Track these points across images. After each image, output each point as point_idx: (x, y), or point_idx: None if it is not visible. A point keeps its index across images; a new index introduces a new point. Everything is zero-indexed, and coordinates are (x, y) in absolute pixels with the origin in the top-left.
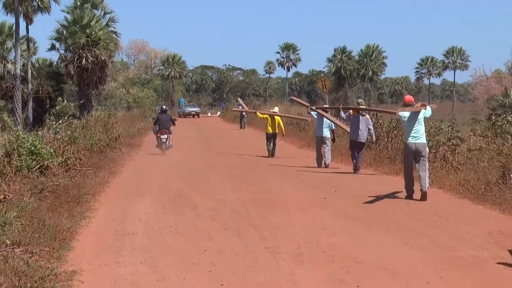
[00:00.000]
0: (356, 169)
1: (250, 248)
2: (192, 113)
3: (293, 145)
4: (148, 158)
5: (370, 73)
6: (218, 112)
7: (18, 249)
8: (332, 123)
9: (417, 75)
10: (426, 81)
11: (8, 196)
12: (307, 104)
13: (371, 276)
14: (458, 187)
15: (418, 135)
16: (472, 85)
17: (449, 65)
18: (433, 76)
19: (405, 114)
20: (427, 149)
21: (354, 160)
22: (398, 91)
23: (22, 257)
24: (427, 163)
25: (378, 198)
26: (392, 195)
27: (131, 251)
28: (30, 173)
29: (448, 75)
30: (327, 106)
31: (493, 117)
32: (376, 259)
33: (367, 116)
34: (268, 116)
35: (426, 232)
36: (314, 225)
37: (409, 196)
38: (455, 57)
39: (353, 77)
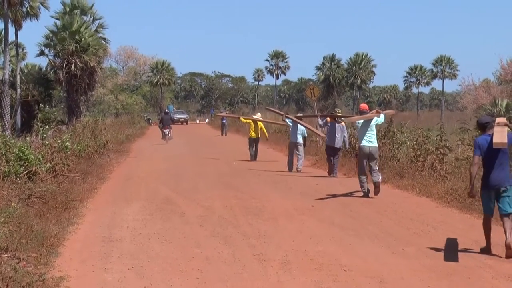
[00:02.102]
0: (331, 171)
1: (238, 256)
2: (180, 120)
3: (281, 153)
4: (136, 165)
5: (359, 82)
6: (207, 119)
7: (6, 255)
8: (305, 130)
9: (406, 84)
10: (414, 90)
11: None
12: (282, 113)
13: (358, 284)
14: (445, 196)
15: (371, 140)
16: (461, 94)
17: (438, 74)
18: (421, 85)
19: (360, 120)
20: (378, 152)
21: (331, 163)
22: (387, 100)
23: (9, 262)
24: (377, 165)
25: (365, 205)
26: (379, 203)
27: (119, 258)
28: (18, 179)
29: (436, 84)
30: (301, 115)
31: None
32: (364, 267)
33: (343, 123)
34: (251, 121)
35: (414, 240)
36: (301, 233)
37: (365, 194)
38: (444, 66)
39: (341, 85)
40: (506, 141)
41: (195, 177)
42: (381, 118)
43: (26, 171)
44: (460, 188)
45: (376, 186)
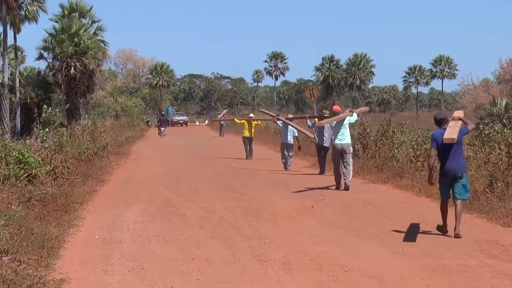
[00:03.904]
0: (322, 171)
1: (238, 257)
2: (180, 121)
3: (279, 154)
4: (136, 167)
5: (358, 82)
6: (206, 121)
7: (6, 258)
8: (296, 130)
9: (405, 84)
10: (414, 90)
11: None
12: (273, 114)
13: (359, 284)
14: None
15: (343, 137)
16: (460, 94)
17: (437, 74)
18: (421, 85)
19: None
20: (351, 148)
21: (322, 163)
22: (386, 100)
23: (10, 265)
24: (351, 160)
25: (365, 206)
26: (379, 203)
27: (119, 260)
28: (18, 182)
29: (436, 84)
30: (292, 116)
31: (481, 126)
32: (364, 267)
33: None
34: (245, 121)
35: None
36: (301, 234)
37: (338, 187)
38: (443, 66)
39: (341, 85)
40: (455, 136)
41: (195, 178)
42: (353, 117)
43: (26, 174)
44: None
45: (346, 186)
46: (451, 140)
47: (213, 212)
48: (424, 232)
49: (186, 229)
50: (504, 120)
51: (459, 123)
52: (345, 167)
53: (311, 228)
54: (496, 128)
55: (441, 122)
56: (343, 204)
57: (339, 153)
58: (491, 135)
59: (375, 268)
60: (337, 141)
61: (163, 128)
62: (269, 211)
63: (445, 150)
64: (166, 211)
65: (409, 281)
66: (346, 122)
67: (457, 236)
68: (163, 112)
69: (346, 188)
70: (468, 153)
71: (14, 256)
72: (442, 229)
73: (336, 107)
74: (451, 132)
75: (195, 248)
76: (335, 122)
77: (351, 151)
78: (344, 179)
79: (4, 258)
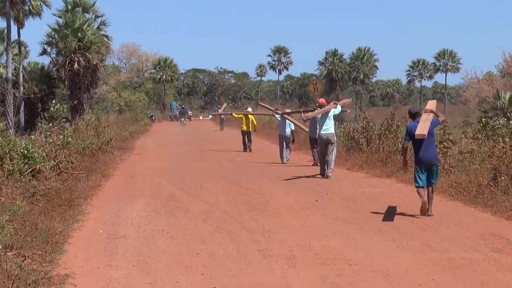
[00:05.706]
0: (316, 163)
1: (243, 251)
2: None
3: None
4: (140, 162)
5: (362, 76)
6: (210, 116)
7: (11, 253)
8: (292, 124)
9: (409, 78)
10: (417, 84)
11: (0, 199)
12: (272, 108)
13: (363, 278)
14: (449, 190)
15: (328, 128)
16: (464, 88)
17: (441, 67)
18: (424, 79)
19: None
20: (335, 138)
21: (314, 155)
22: (390, 94)
23: (14, 260)
24: (335, 150)
25: (369, 200)
26: (383, 197)
27: (124, 254)
28: (22, 177)
29: (439, 77)
30: (290, 111)
31: (484, 119)
32: (368, 261)
33: None
34: (243, 115)
35: (418, 234)
36: (306, 228)
37: (322, 174)
38: (447, 60)
39: (344, 80)
40: (425, 132)
41: (198, 173)
42: (337, 109)
43: (30, 169)
44: (464, 181)
45: (327, 176)
46: (422, 136)
47: (217, 206)
48: (426, 225)
49: (190, 223)
50: (508, 114)
51: (431, 116)
52: (328, 156)
53: (315, 222)
54: (501, 121)
55: (415, 115)
56: (347, 198)
57: (325, 143)
58: (495, 128)
59: (379, 262)
60: (322, 132)
61: (183, 119)
62: (273, 205)
63: (418, 140)
64: (170, 205)
65: (413, 275)
66: (331, 114)
67: (429, 215)
68: (183, 106)
69: (326, 177)
70: (472, 147)
71: (19, 251)
72: (423, 211)
73: (321, 100)
74: (422, 127)
75: (200, 243)
76: (320, 114)
77: (335, 141)
78: (326, 168)
79: (8, 253)
